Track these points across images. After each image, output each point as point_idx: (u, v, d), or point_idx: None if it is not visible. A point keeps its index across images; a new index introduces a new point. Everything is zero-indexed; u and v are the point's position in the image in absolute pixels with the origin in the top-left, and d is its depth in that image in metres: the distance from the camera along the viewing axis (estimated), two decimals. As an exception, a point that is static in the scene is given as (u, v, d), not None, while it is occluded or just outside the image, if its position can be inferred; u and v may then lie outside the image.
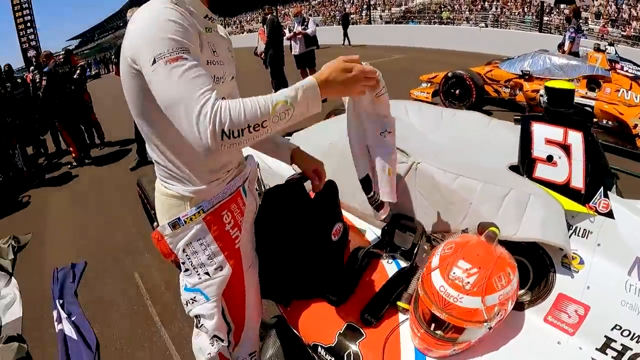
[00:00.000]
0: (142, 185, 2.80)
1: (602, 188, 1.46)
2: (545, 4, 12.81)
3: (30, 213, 4.98)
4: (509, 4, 21.58)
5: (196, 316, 1.37)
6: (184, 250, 1.27)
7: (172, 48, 0.97)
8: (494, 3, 22.64)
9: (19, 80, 6.69)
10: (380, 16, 27.37)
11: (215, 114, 0.94)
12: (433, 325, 1.26)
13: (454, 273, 1.18)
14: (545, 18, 15.18)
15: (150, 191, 2.64)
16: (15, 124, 5.95)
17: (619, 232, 1.42)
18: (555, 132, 1.50)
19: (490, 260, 1.19)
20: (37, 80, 6.27)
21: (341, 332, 1.42)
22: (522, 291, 1.49)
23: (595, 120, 4.82)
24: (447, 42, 14.07)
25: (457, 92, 6.08)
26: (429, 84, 6.80)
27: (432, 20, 23.71)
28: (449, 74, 6.16)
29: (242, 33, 32.82)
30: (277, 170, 2.18)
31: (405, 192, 1.71)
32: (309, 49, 7.72)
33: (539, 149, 1.53)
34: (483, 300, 1.14)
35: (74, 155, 6.39)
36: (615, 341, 1.31)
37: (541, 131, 1.52)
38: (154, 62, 0.97)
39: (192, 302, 1.34)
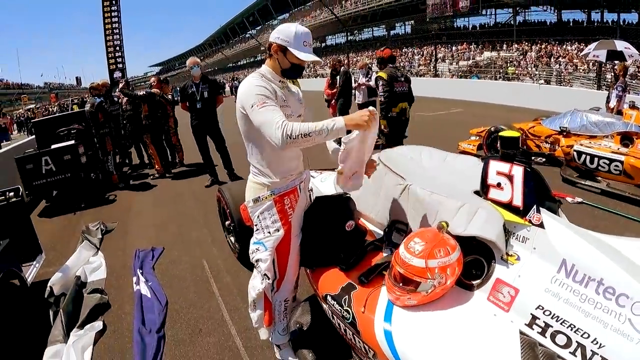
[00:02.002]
0: (222, 191, 3.75)
1: (535, 206, 2.05)
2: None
3: (117, 208, 6.10)
4: (574, 60, 21.54)
5: (256, 260, 2.20)
6: (258, 217, 2.15)
7: (259, 100, 1.94)
8: (559, 59, 22.69)
9: (115, 99, 7.98)
10: (448, 69, 28.05)
11: (283, 127, 1.85)
12: (400, 282, 1.94)
13: (410, 244, 1.90)
14: (609, 75, 15.15)
15: (228, 197, 3.55)
16: (112, 134, 7.23)
17: (550, 239, 1.97)
18: (504, 167, 2.14)
19: (435, 239, 1.89)
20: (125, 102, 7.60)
21: (343, 286, 2.19)
22: (478, 281, 2.11)
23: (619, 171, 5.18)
24: (507, 98, 14.40)
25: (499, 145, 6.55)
26: (476, 137, 7.33)
27: (498, 76, 24.06)
28: (492, 129, 6.71)
29: (315, 77, 34.60)
30: (322, 190, 3.15)
31: (401, 204, 2.46)
32: (370, 99, 8.58)
33: (492, 178, 2.20)
34: (426, 262, 1.83)
35: (157, 167, 7.53)
36: (539, 318, 1.83)
37: (494, 166, 2.19)
38: (252, 107, 1.94)
39: (256, 251, 2.19)
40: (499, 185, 2.17)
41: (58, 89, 71.35)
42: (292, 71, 2.12)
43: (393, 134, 5.79)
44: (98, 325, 3.08)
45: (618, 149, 5.30)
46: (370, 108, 1.97)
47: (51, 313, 3.20)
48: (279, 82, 2.14)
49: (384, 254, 2.37)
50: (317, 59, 2.05)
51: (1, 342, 2.68)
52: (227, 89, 34.65)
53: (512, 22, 31.14)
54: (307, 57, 2.03)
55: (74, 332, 2.98)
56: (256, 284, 2.23)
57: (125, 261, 4.15)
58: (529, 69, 23.37)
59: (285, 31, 2.04)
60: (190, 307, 3.25)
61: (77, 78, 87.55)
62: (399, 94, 5.62)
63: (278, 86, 2.12)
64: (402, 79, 5.68)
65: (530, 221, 2.06)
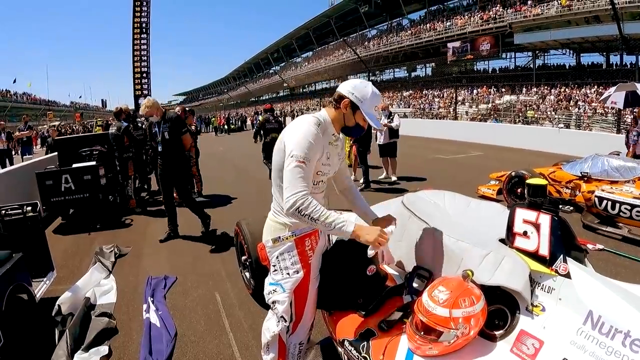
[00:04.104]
0: (241, 225, 3.71)
1: (562, 255, 1.98)
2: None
3: (132, 233, 6.10)
4: (593, 103, 21.51)
5: (273, 302, 2.13)
6: (277, 257, 2.09)
7: (301, 155, 1.89)
8: (579, 103, 22.70)
9: (139, 125, 8.11)
10: (467, 112, 28.23)
11: (299, 200, 1.83)
12: (422, 331, 1.86)
13: (435, 293, 1.83)
14: (629, 118, 15.03)
15: (247, 231, 3.54)
16: (134, 159, 7.33)
17: (576, 290, 1.91)
18: (531, 215, 2.08)
19: (460, 288, 1.82)
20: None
21: (362, 332, 2.11)
22: (501, 331, 2.02)
23: None
24: (527, 142, 14.33)
25: (519, 190, 6.46)
26: (496, 182, 7.26)
27: (517, 119, 24.11)
28: (513, 173, 6.62)
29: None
30: None
31: (424, 250, 2.40)
32: (392, 140, 8.63)
33: (518, 227, 2.14)
34: (450, 312, 1.76)
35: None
36: None
37: (521, 214, 2.13)
38: (292, 155, 1.89)
39: (273, 292, 2.13)
40: (525, 233, 2.11)
41: (84, 109, 73.36)
42: (353, 131, 2.11)
43: (266, 151, 8.58)
44: (104, 349, 3.01)
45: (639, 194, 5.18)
46: (388, 229, 2.05)
47: (57, 332, 3.17)
48: (332, 135, 2.10)
49: (405, 301, 2.28)
50: (381, 127, 2.09)
51: (5, 355, 2.64)
52: (249, 122, 35.36)
53: (531, 66, 31.48)
54: (376, 123, 2.02)
55: (78, 354, 2.93)
56: (271, 326, 2.15)
57: (136, 287, 4.12)
58: (548, 112, 23.41)
59: (362, 89, 2.01)
60: (200, 341, 3.17)
61: (102, 100, 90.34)
62: (269, 128, 8.51)
63: (329, 141, 2.07)
64: (273, 121, 8.69)
65: (556, 271, 1.99)
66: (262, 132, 8.67)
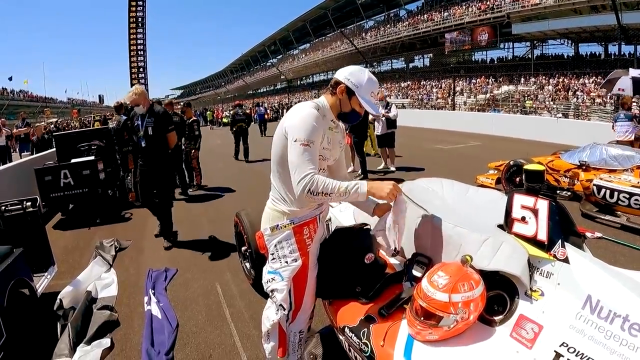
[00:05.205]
0: (240, 216, 3.72)
1: (560, 240, 1.99)
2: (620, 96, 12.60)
3: (132, 226, 6.13)
4: (591, 93, 21.46)
5: (272, 290, 2.15)
6: (275, 245, 2.11)
7: (305, 138, 1.91)
8: (577, 92, 22.65)
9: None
10: (465, 102, 28.14)
11: (308, 182, 1.86)
12: (422, 317, 1.87)
13: (434, 278, 1.84)
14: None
15: (246, 222, 3.55)
16: (134, 152, 7.28)
17: (574, 274, 1.92)
18: (529, 200, 2.10)
19: (459, 273, 1.84)
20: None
21: (362, 318, 2.12)
22: (501, 316, 2.04)
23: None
24: (525, 132, 14.28)
25: (518, 179, 6.44)
26: (495, 171, 7.27)
27: (515, 109, 24.06)
28: (511, 162, 6.62)
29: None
30: (340, 220, 3.15)
31: (423, 237, 2.41)
32: (389, 130, 8.72)
33: (516, 212, 2.15)
34: (449, 297, 1.77)
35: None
36: (563, 356, 1.76)
37: (519, 200, 2.14)
38: (295, 140, 1.90)
39: (271, 281, 2.15)
40: (523, 219, 2.12)
41: (81, 105, 72.95)
42: (350, 117, 2.11)
43: (236, 136, 12.02)
44: (106, 342, 3.04)
45: (638, 182, 5.20)
46: (394, 183, 2.03)
47: (59, 326, 3.19)
48: (331, 121, 2.11)
49: (405, 287, 2.29)
50: (379, 113, 2.10)
51: (7, 350, 2.66)
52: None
53: (529, 56, 31.37)
54: (372, 108, 2.03)
55: (80, 347, 2.96)
56: (270, 315, 2.17)
57: (137, 280, 4.14)
58: (547, 102, 23.37)
59: (357, 75, 2.02)
60: (201, 332, 3.20)
61: (99, 96, 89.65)
62: (237, 119, 11.88)
63: (329, 126, 2.09)
64: (241, 113, 12.12)
65: (555, 256, 2.00)
66: (231, 121, 12.20)
